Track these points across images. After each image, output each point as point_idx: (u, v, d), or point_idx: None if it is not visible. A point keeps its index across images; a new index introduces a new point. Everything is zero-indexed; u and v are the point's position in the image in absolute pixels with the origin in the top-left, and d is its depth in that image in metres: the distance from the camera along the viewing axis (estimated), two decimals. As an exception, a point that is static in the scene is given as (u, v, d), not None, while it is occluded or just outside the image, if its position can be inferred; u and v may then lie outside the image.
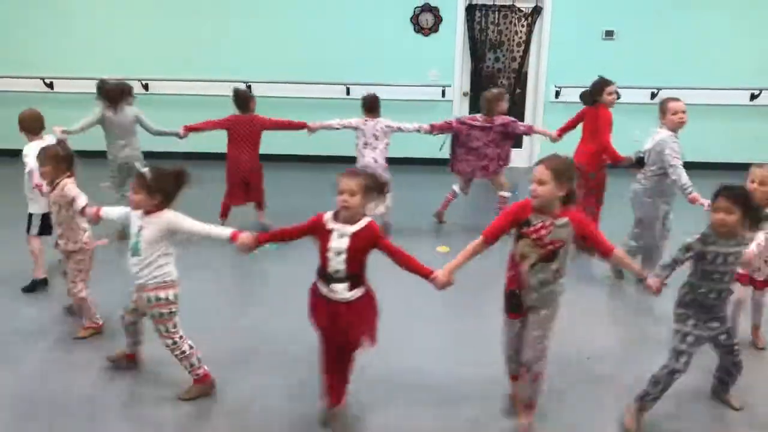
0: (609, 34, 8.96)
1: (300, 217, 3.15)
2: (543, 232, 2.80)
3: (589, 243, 2.90)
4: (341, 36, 8.94)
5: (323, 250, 3.01)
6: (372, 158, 6.00)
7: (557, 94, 8.94)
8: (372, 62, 8.91)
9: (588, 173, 5.38)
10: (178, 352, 3.44)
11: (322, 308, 3.08)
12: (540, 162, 2.84)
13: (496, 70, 9.23)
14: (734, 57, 8.76)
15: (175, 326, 3.45)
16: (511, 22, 9.00)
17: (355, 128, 6.12)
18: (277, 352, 3.94)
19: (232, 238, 3.28)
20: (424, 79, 8.96)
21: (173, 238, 3.42)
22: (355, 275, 3.02)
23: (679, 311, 3.14)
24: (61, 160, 4.08)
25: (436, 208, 6.55)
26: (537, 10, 8.92)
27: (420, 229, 6.26)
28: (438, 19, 9.00)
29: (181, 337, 3.46)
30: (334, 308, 3.03)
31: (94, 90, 8.57)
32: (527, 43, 9.01)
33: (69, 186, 4.01)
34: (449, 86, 9.04)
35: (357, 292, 3.04)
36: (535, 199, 2.81)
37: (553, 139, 6.03)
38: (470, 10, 8.96)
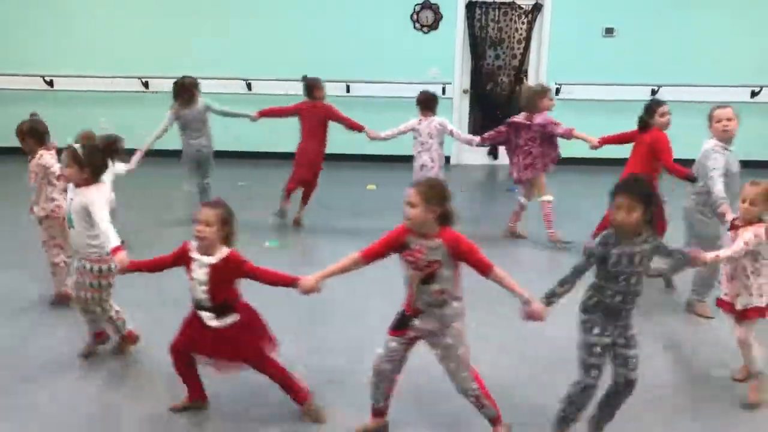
0: (609, 31, 8.95)
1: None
2: (418, 255, 2.79)
3: (467, 260, 2.81)
4: (341, 33, 8.94)
5: (189, 279, 3.07)
6: (429, 158, 5.89)
7: (557, 91, 8.93)
8: (372, 60, 8.91)
9: None
10: (99, 318, 3.66)
11: (198, 329, 3.11)
12: (412, 185, 2.84)
13: (497, 68, 9.22)
14: (734, 54, 8.75)
15: (108, 297, 3.62)
16: (511, 20, 8.99)
17: (412, 130, 5.99)
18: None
19: (113, 251, 3.29)
20: (424, 77, 8.95)
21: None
22: (221, 305, 3.06)
23: (584, 318, 2.91)
24: (34, 134, 4.42)
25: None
26: (537, 8, 8.92)
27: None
28: (438, 17, 8.99)
29: (110, 307, 3.66)
30: (205, 332, 3.09)
31: (95, 88, 8.60)
32: (527, 40, 9.00)
33: (45, 157, 4.28)
34: (449, 84, 9.04)
35: (227, 320, 3.07)
36: (408, 221, 2.81)
37: (593, 146, 5.56)
38: (470, 7, 8.95)
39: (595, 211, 5.21)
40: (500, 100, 9.25)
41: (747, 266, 3.35)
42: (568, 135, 5.66)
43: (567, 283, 2.86)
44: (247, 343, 3.13)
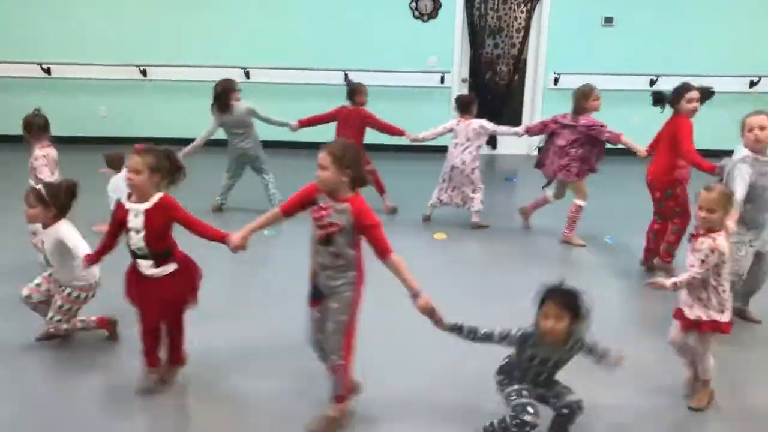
0: (608, 20, 8.93)
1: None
2: (323, 213, 2.81)
3: (366, 234, 2.81)
4: (340, 21, 8.92)
5: (126, 230, 3.14)
6: (460, 159, 5.86)
7: (556, 81, 8.93)
8: (371, 48, 8.89)
9: (663, 192, 4.80)
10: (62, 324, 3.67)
11: (134, 282, 3.21)
12: (323, 147, 2.83)
13: (495, 57, 9.21)
14: (733, 44, 8.75)
15: (76, 311, 3.70)
16: (510, 8, 8.97)
17: (450, 131, 5.97)
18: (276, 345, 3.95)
19: (85, 258, 3.39)
20: (423, 66, 8.94)
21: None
22: (159, 252, 3.13)
23: (499, 378, 2.93)
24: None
25: (429, 193, 6.33)
26: (536, -4, 8.89)
27: (415, 216, 6.24)
28: (437, 5, 8.97)
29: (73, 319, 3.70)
30: (144, 283, 3.17)
31: (93, 75, 8.57)
32: (526, 29, 8.98)
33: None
34: (448, 73, 9.03)
35: (166, 269, 3.15)
36: (318, 182, 2.83)
37: (641, 155, 5.16)
38: (469, -5, 8.92)
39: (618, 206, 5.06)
40: (499, 89, 9.24)
41: (709, 281, 3.13)
42: (615, 140, 5.29)
43: (472, 334, 2.85)
44: (183, 291, 3.23)
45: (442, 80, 8.96)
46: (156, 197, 3.09)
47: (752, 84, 8.84)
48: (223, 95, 6.03)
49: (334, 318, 2.88)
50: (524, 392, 2.82)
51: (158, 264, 3.13)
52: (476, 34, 9.00)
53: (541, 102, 9.13)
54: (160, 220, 3.09)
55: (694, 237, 3.19)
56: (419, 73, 8.97)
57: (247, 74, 8.91)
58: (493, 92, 9.23)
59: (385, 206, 6.31)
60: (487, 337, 2.84)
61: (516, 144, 9.14)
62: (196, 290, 3.29)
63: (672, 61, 8.69)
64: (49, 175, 4.60)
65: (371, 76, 8.88)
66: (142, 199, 3.09)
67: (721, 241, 3.09)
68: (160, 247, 3.12)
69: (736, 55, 8.75)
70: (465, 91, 9.26)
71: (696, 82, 8.46)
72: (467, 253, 5.59)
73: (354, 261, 2.88)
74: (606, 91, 8.71)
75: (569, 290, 2.71)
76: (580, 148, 5.42)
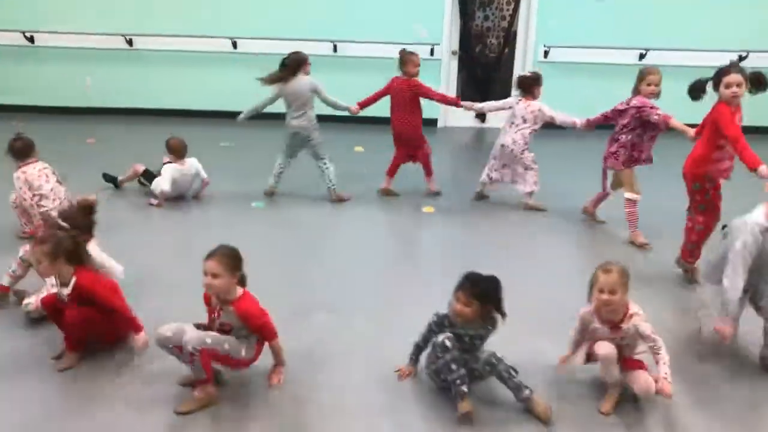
0: (599, -7, 8.87)
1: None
2: (215, 315, 3.08)
3: (255, 332, 3.09)
4: (329, -8, 8.80)
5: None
6: (511, 139, 5.68)
7: (546, 54, 8.90)
8: (360, 19, 8.79)
9: (692, 183, 4.34)
10: None
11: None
12: (209, 257, 2.95)
13: (485, 29, 9.15)
14: (722, 19, 8.72)
15: None
16: (500, -20, 8.89)
17: (510, 108, 5.78)
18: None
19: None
20: (413, 38, 8.87)
21: None
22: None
23: (428, 363, 3.15)
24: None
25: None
26: (527, -32, 8.81)
27: (406, 189, 6.25)
28: (427, -24, 8.86)
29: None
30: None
31: (78, 45, 8.41)
32: (517, 1, 8.91)
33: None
34: (438, 45, 8.96)
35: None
36: (210, 289, 2.99)
37: (690, 138, 4.63)
38: (460, -34, 8.82)
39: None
40: (489, 61, 9.20)
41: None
42: (664, 122, 4.85)
43: (419, 346, 3.21)
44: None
45: (432, 53, 8.89)
46: (72, 282, 3.24)
47: (741, 59, 8.83)
48: (294, 65, 5.79)
49: (231, 344, 3.05)
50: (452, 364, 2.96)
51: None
52: (466, 5, 8.92)
53: (530, 75, 9.09)
54: (85, 299, 3.23)
55: (614, 328, 2.99)
56: (408, 45, 8.88)
57: (234, 45, 8.81)
58: (483, 65, 9.18)
59: (431, 188, 6.18)
60: (425, 340, 3.17)
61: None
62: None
63: (661, 35, 8.67)
64: (29, 195, 4.65)
65: (360, 47, 8.83)
66: (64, 283, 3.28)
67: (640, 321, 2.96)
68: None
69: (725, 30, 8.73)
70: (455, 63, 9.21)
71: (685, 56, 8.58)
72: (454, 224, 5.61)
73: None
74: (595, 65, 8.81)
75: (481, 279, 2.99)
76: (630, 133, 5.01)
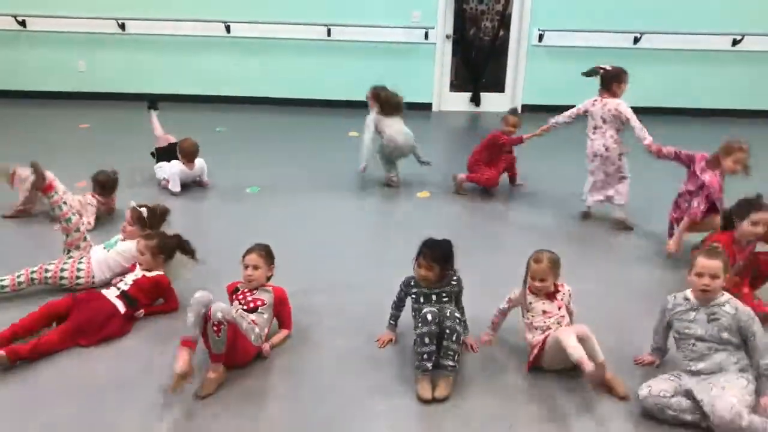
0: (593, -24, 8.84)
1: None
2: (241, 297, 3.33)
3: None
4: (322, -25, 8.75)
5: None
6: (602, 145, 4.99)
7: (540, 37, 8.88)
8: (353, 3, 8.74)
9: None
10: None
11: None
12: (249, 252, 3.36)
13: (480, 12, 9.12)
14: (718, 2, 8.71)
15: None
16: (495, -37, 8.84)
17: (585, 113, 5.13)
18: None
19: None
20: (407, 21, 8.83)
21: None
22: None
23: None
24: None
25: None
26: (522, -49, 8.75)
27: (401, 174, 6.24)
28: (421, -41, 8.81)
29: None
30: None
31: (70, 29, 8.33)
32: (511, -16, 8.87)
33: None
34: (432, 28, 8.93)
35: None
36: (250, 280, 3.32)
37: None
38: (454, -51, 8.77)
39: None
40: (483, 45, 9.18)
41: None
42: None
43: (394, 310, 3.44)
44: None
45: (426, 36, 8.87)
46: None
47: (735, 42, 8.84)
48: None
49: (248, 325, 3.20)
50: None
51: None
52: (461, -12, 8.88)
53: (525, 59, 9.08)
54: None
55: (550, 296, 3.23)
56: (403, 29, 8.87)
57: (227, 29, 8.76)
58: (478, 49, 9.16)
59: (515, 183, 6.06)
60: (399, 300, 3.43)
61: (500, 101, 9.15)
62: None
63: (655, 19, 8.65)
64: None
65: (354, 31, 8.79)
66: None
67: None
68: None
69: (718, 13, 8.72)
70: (449, 47, 9.18)
71: (678, 39, 8.56)
72: (450, 209, 5.63)
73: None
74: (589, 48, 8.79)
75: (438, 243, 3.25)
76: (695, 199, 4.44)
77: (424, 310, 3.08)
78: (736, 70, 8.95)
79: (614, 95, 4.96)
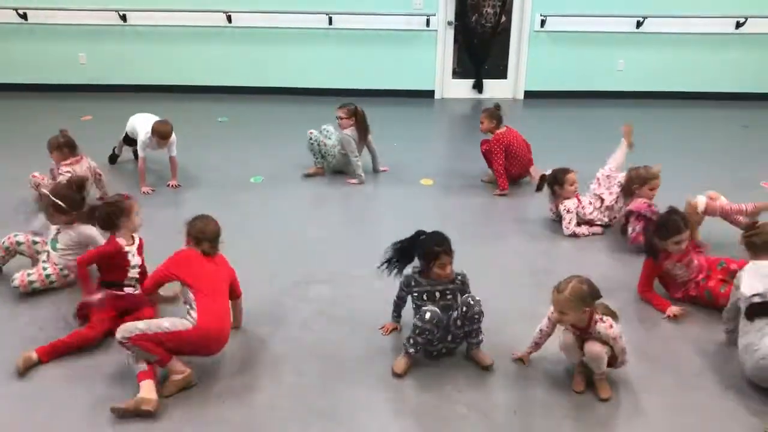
0: (595, -40, 8.77)
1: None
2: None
3: None
4: (322, -37, 8.70)
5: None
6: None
7: (543, 23, 8.82)
8: (355, -9, 8.70)
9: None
10: None
11: None
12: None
13: (481, -1, 9.06)
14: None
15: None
16: (496, -52, 8.77)
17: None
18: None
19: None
20: (408, 8, 8.79)
21: None
22: None
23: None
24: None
25: (412, 144, 6.13)
26: (523, -65, 8.68)
27: (404, 162, 6.26)
28: (422, -55, 8.75)
29: None
30: None
31: (71, 21, 8.33)
32: (513, -30, 8.81)
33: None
34: (434, 15, 8.88)
35: None
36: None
37: None
38: (455, -66, 8.70)
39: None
40: (485, 32, 9.12)
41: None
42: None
43: (397, 303, 3.44)
44: None
45: (428, 23, 8.82)
46: None
47: (738, 25, 8.78)
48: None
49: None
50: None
51: None
52: (462, -25, 8.81)
53: (527, 45, 9.03)
54: None
55: (583, 331, 2.99)
56: (404, 16, 8.82)
57: (229, 18, 8.73)
58: (480, 35, 9.11)
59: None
60: (401, 299, 3.41)
61: (503, 88, 9.12)
62: None
63: (658, 2, 8.59)
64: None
65: (355, 18, 8.75)
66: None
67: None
68: None
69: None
70: (451, 33, 9.12)
71: (682, 23, 8.50)
72: (454, 196, 5.63)
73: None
74: (591, 33, 8.74)
75: (443, 235, 3.22)
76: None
77: (424, 308, 3.11)
78: (739, 54, 8.90)
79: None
